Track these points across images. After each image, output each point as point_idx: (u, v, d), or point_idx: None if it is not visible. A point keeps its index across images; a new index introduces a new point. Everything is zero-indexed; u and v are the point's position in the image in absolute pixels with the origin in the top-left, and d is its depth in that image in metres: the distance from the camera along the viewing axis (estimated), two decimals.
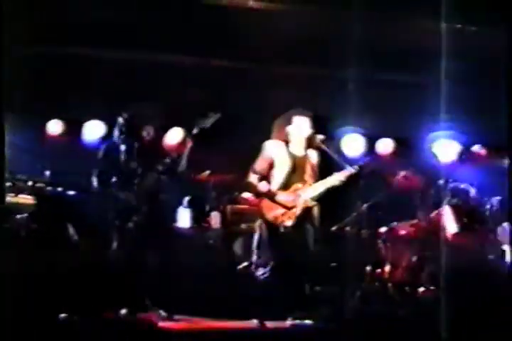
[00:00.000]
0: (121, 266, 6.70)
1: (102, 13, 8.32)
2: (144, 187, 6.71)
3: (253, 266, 7.86)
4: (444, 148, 10.25)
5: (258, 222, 7.42)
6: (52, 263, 6.38)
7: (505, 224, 8.62)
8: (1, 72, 5.38)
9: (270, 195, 7.10)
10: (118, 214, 6.70)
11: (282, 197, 7.09)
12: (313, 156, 7.30)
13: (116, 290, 6.54)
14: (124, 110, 6.90)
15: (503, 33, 8.86)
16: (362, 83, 9.41)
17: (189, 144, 6.95)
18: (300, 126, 7.24)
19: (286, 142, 7.26)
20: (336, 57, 8.95)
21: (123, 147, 6.76)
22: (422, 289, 8.19)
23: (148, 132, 7.03)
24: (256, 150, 7.30)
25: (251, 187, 7.34)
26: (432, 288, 8.12)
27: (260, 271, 7.65)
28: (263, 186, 7.14)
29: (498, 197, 8.77)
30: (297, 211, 7.08)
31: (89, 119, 9.74)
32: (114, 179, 6.73)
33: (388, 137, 10.25)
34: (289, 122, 7.28)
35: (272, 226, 7.14)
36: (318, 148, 7.29)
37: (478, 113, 9.82)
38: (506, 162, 9.08)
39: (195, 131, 6.94)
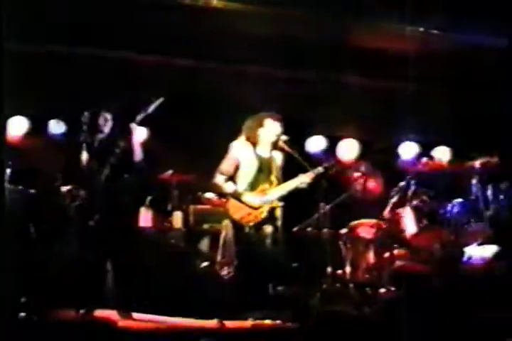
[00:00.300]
0: (81, 265, 6.65)
1: (63, 11, 8.25)
2: (106, 186, 6.67)
3: (217, 266, 7.88)
4: (407, 150, 10.32)
5: (224, 222, 7.44)
6: (12, 262, 6.32)
7: (466, 226, 8.70)
8: None
9: (236, 196, 7.13)
10: (78, 213, 6.66)
11: (248, 197, 7.12)
12: (279, 158, 7.35)
13: (75, 290, 6.51)
14: (87, 108, 6.86)
15: (468, 36, 9.02)
16: (327, 85, 9.45)
17: (135, 131, 6.91)
18: (271, 130, 7.28)
19: (253, 143, 7.28)
20: (302, 58, 8.97)
21: (85, 145, 6.73)
22: (382, 290, 8.24)
23: (111, 130, 6.99)
24: (221, 151, 7.31)
25: (217, 188, 7.37)
26: (392, 288, 8.17)
27: (224, 271, 7.67)
28: (229, 187, 7.17)
29: (459, 199, 8.85)
30: (263, 211, 7.12)
31: (52, 117, 9.66)
32: (76, 177, 6.70)
33: (352, 138, 10.28)
34: (260, 125, 7.31)
35: (237, 227, 7.16)
36: (282, 150, 7.33)
37: (442, 116, 9.91)
38: (468, 164, 9.17)
39: (138, 117, 6.92)
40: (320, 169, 7.31)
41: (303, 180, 7.24)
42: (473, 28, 8.63)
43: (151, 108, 6.95)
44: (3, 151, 5.47)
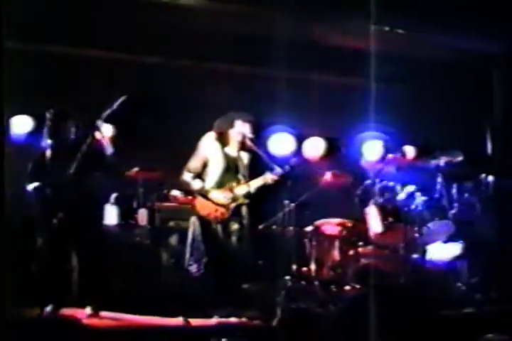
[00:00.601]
0: (46, 263, 6.62)
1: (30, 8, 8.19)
2: (71, 183, 6.64)
3: (186, 263, 7.87)
4: (372, 148, 10.36)
5: (192, 219, 7.45)
6: None
7: (430, 224, 8.77)
8: None
9: (204, 193, 7.17)
10: (43, 210, 6.63)
11: (216, 195, 7.15)
12: (245, 156, 7.40)
13: (42, 287, 6.48)
14: (53, 105, 6.83)
15: (432, 35, 9.08)
16: (292, 83, 9.46)
17: (101, 128, 6.87)
18: (241, 131, 7.32)
19: (222, 143, 7.32)
20: (267, 56, 8.97)
21: (49, 142, 6.69)
22: (347, 287, 8.28)
23: (76, 127, 6.96)
24: (187, 148, 7.32)
25: (185, 185, 7.40)
26: (357, 286, 8.22)
27: (193, 268, 7.68)
28: (196, 184, 7.21)
29: (424, 198, 8.91)
30: (230, 209, 7.15)
31: (15, 114, 9.57)
32: (42, 175, 6.66)
33: (317, 137, 10.30)
34: (231, 125, 7.36)
35: (204, 223, 7.19)
36: (249, 149, 7.37)
37: (406, 114, 9.97)
38: (433, 162, 9.24)
39: (104, 114, 6.89)
40: (286, 168, 7.36)
41: (268, 178, 7.29)
42: (438, 27, 8.69)
43: (116, 104, 6.94)
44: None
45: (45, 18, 8.27)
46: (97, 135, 6.83)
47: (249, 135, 7.35)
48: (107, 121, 6.99)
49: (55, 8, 8.22)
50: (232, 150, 7.39)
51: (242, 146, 7.41)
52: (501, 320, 7.66)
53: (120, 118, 7.13)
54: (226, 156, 7.32)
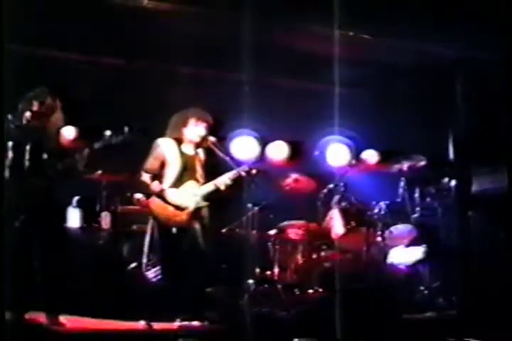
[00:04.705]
0: (6, 266, 6.54)
1: None
2: (34, 185, 6.56)
3: (144, 268, 7.82)
4: (336, 152, 10.39)
5: (150, 223, 7.39)
6: None
7: (393, 228, 8.82)
8: None
9: (162, 195, 7.07)
10: (5, 213, 6.54)
11: (174, 197, 7.06)
12: (202, 155, 7.32)
13: (1, 292, 6.40)
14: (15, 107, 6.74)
15: (395, 39, 9.13)
16: (257, 87, 9.46)
17: (86, 150, 6.76)
18: (194, 131, 7.24)
19: (178, 141, 7.24)
20: (232, 60, 8.96)
21: (11, 143, 6.59)
22: (311, 291, 8.29)
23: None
24: (149, 149, 7.27)
25: (144, 187, 7.29)
26: (320, 289, 8.24)
27: (151, 272, 7.63)
28: (155, 186, 7.10)
29: (387, 201, 8.96)
30: (189, 212, 7.08)
31: None
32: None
33: (281, 140, 10.31)
34: (184, 124, 7.27)
35: (163, 227, 7.11)
36: (208, 148, 7.31)
37: (370, 118, 10.01)
38: (396, 167, 9.29)
39: (97, 145, 6.77)
40: (244, 168, 7.32)
41: (227, 178, 7.19)
42: (401, 32, 8.74)
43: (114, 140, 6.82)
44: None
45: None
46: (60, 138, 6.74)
47: (202, 134, 7.25)
48: (69, 123, 6.92)
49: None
50: (189, 148, 7.29)
51: (200, 145, 7.31)
52: (462, 324, 7.74)
53: (82, 119, 7.05)
54: (183, 155, 7.20)
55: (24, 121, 6.46)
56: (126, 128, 6.79)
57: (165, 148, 7.17)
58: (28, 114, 6.47)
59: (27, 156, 6.48)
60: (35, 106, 6.51)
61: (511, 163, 8.03)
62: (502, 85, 7.59)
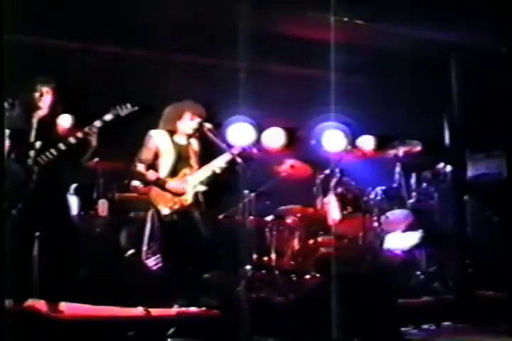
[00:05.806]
0: (4, 254, 6.56)
1: None
2: (30, 173, 6.57)
3: (144, 255, 7.85)
4: (332, 138, 10.40)
5: (150, 211, 7.41)
6: None
7: (389, 214, 8.84)
8: None
9: (159, 183, 7.11)
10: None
11: (172, 184, 7.10)
12: (195, 144, 7.36)
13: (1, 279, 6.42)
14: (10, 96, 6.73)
15: (391, 25, 9.13)
16: (252, 73, 9.46)
17: (94, 135, 6.78)
18: (189, 124, 7.28)
19: (171, 132, 7.28)
20: (227, 46, 8.95)
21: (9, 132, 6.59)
22: (308, 276, 8.33)
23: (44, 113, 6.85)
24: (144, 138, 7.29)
25: (140, 176, 7.34)
26: (317, 275, 8.27)
27: (151, 260, 7.66)
28: (151, 175, 7.14)
29: (383, 187, 8.98)
30: (187, 198, 7.12)
31: None
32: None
33: (277, 127, 10.32)
34: (179, 117, 7.30)
35: (162, 214, 7.14)
36: (201, 138, 7.35)
37: (366, 104, 10.02)
38: (392, 152, 9.31)
39: (107, 117, 6.82)
40: (237, 148, 7.36)
41: (221, 161, 7.22)
42: (397, 18, 8.74)
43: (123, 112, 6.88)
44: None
45: None
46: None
47: (196, 127, 7.28)
48: (65, 111, 6.94)
49: None
50: (181, 138, 7.33)
51: (192, 135, 7.34)
52: (458, 308, 7.80)
53: (78, 108, 7.06)
54: (176, 145, 7.24)
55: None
56: (129, 105, 6.85)
57: (158, 139, 7.21)
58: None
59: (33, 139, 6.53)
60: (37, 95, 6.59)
61: (511, 149, 8.08)
62: (498, 71, 7.62)
